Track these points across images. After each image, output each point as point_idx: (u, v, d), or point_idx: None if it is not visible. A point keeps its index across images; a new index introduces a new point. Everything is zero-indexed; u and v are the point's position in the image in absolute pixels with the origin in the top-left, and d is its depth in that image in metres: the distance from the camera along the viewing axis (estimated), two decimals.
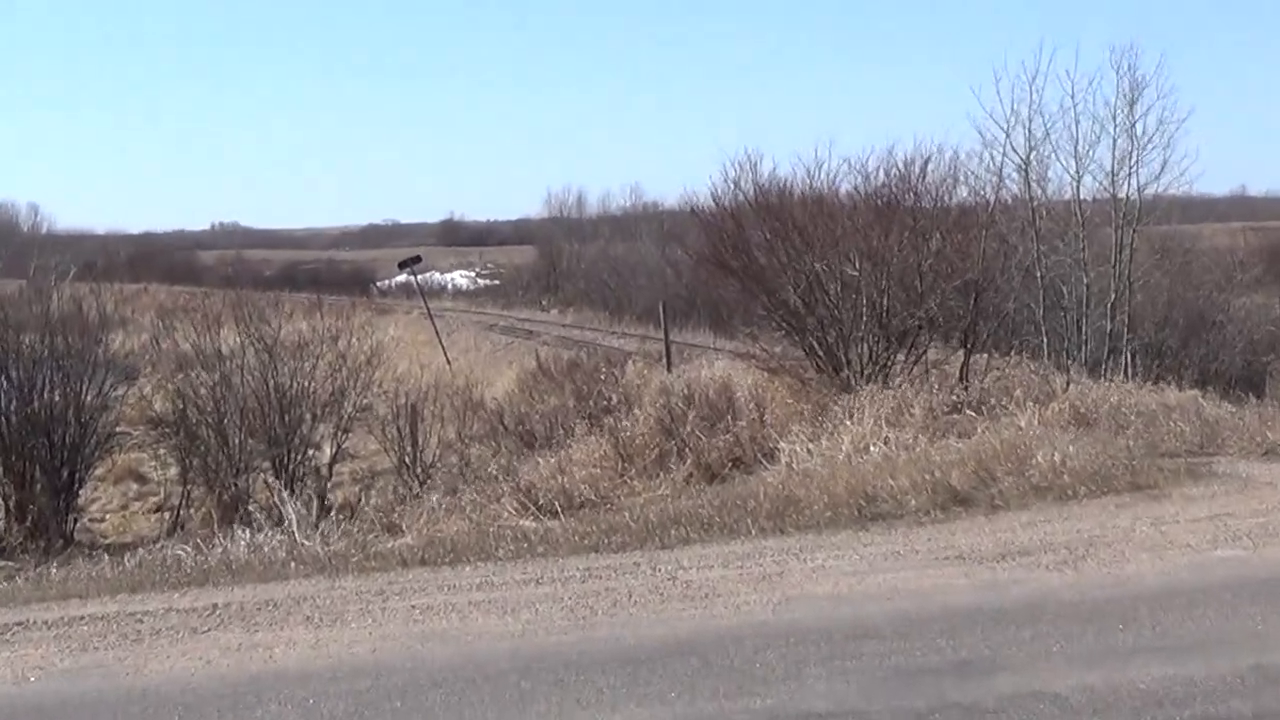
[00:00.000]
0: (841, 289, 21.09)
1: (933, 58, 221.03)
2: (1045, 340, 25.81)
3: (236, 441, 22.88)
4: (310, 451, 23.32)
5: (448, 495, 18.14)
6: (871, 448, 16.38)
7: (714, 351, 30.71)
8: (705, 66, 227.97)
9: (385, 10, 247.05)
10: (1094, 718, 7.52)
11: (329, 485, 22.84)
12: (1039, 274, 26.00)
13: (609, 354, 34.46)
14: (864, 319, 20.95)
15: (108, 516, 24.46)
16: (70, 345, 23.14)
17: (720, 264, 22.84)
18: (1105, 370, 24.60)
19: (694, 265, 29.67)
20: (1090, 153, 26.72)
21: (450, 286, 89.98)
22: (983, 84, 50.76)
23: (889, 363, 21.00)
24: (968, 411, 18.19)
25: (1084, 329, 26.47)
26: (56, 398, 22.43)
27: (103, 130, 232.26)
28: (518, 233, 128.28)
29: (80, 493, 22.98)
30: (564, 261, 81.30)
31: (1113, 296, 26.49)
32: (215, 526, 19.96)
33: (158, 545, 15.03)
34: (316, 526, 16.02)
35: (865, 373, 20.38)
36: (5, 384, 22.55)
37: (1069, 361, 24.87)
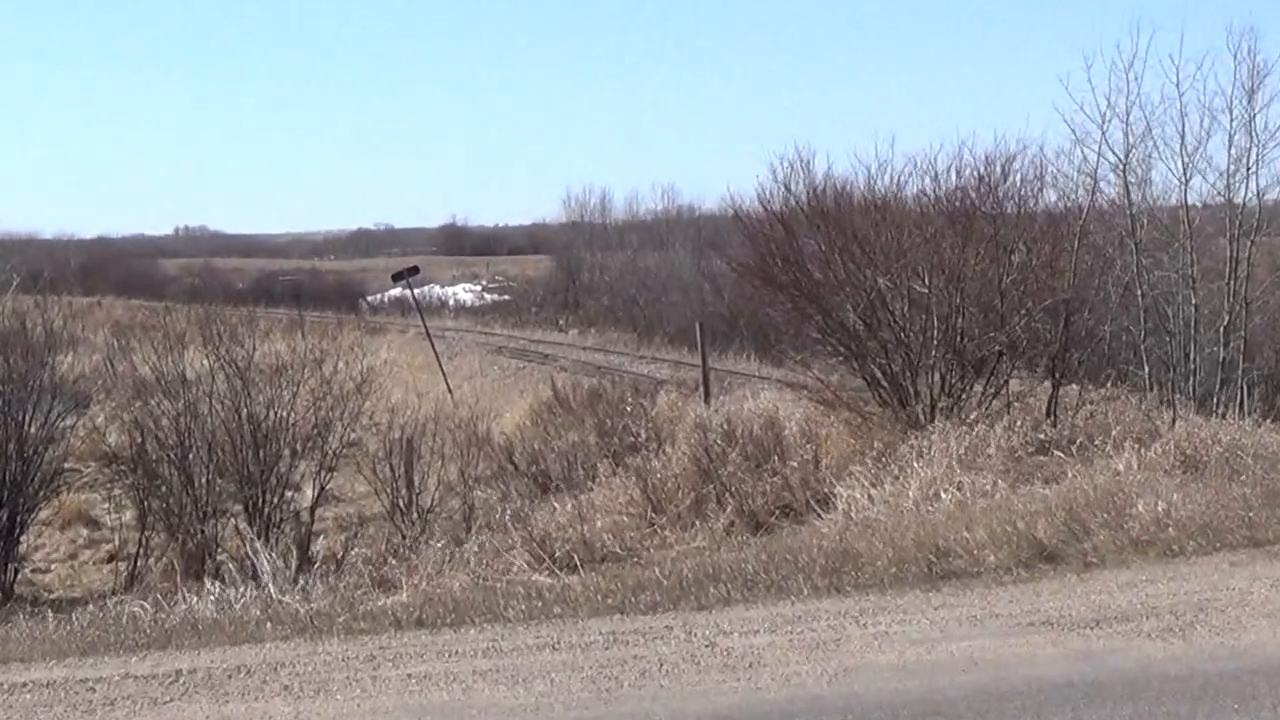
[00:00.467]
0: (909, 308, 21.10)
1: (1012, 40, 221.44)
2: (1147, 369, 25.73)
3: (203, 481, 22.91)
4: (289, 493, 23.34)
5: (449, 545, 18.14)
6: (943, 494, 16.42)
7: (759, 380, 30.66)
8: (748, 52, 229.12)
9: None
10: None
11: (311, 533, 22.85)
12: (1139, 292, 25.91)
13: (637, 382, 34.42)
14: (935, 343, 20.92)
15: (54, 567, 24.53)
16: (11, 368, 23.25)
17: (767, 278, 22.87)
18: (1217, 405, 24.38)
19: (737, 279, 29.67)
20: (1200, 151, 26.64)
21: (452, 302, 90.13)
22: (1072, 71, 50.66)
23: (964, 395, 20.96)
24: (1056, 453, 18.13)
25: (1193, 357, 26.30)
26: None
27: (51, 122, 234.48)
28: (531, 240, 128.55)
29: (22, 539, 23.05)
30: (585, 273, 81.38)
31: (1226, 319, 26.32)
32: (178, 580, 20.02)
33: (112, 601, 15.13)
34: (296, 581, 16.06)
35: (936, 406, 20.34)
36: None
37: (1175, 395, 24.77)
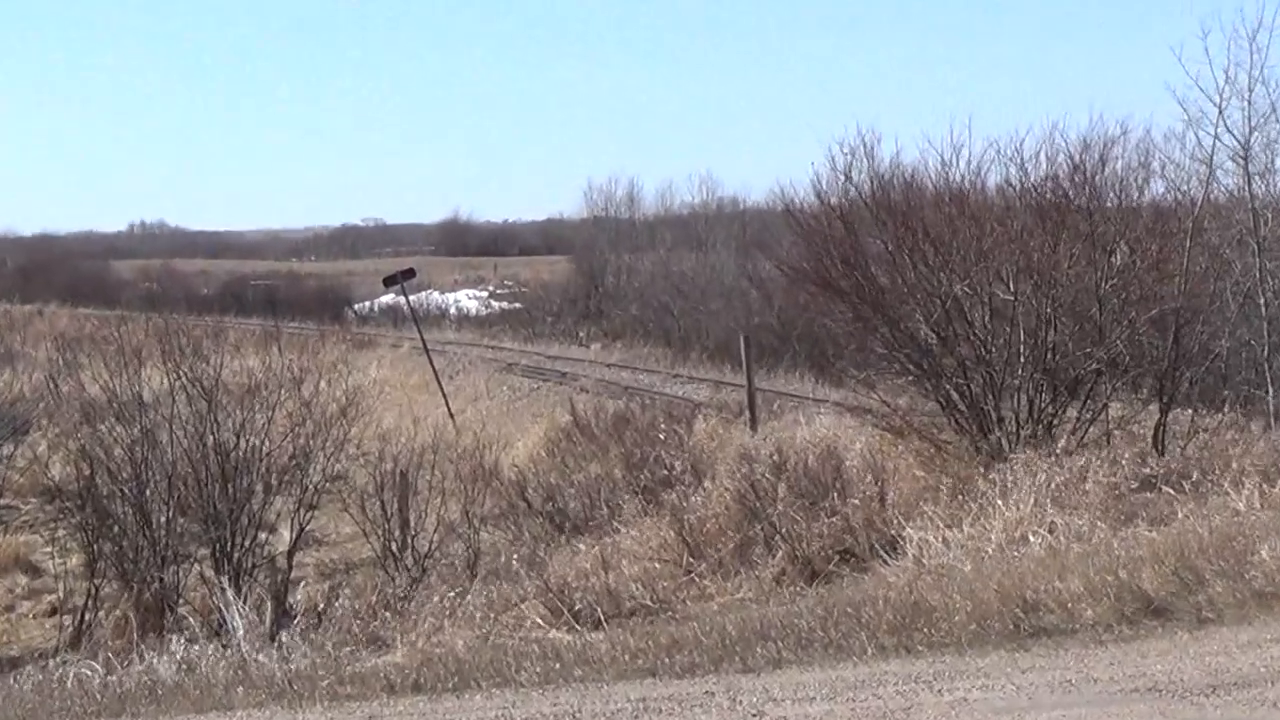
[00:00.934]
0: (990, 319, 21.21)
1: (1112, 2, 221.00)
2: (1272, 392, 25.62)
3: (163, 520, 23.07)
4: (263, 535, 23.45)
5: (451, 596, 18.16)
6: (1031, 537, 16.43)
7: (814, 403, 30.67)
8: (795, 24, 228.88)
9: None
10: None
11: (288, 581, 22.93)
12: (1263, 300, 25.77)
13: (670, 405, 34.48)
14: (1021, 360, 20.96)
15: None
16: None
17: (825, 283, 22.91)
18: None
19: (788, 284, 29.67)
20: None
21: (454, 311, 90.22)
22: (1185, 40, 50.73)
23: (1055, 420, 21.00)
24: (1164, 489, 18.19)
25: None
26: None
27: None
28: (545, 238, 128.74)
29: None
30: (609, 277, 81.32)
31: None
32: (134, 636, 20.12)
33: (56, 661, 15.16)
34: (272, 637, 16.12)
35: (1022, 434, 20.35)
36: None
37: None
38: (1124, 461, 19.01)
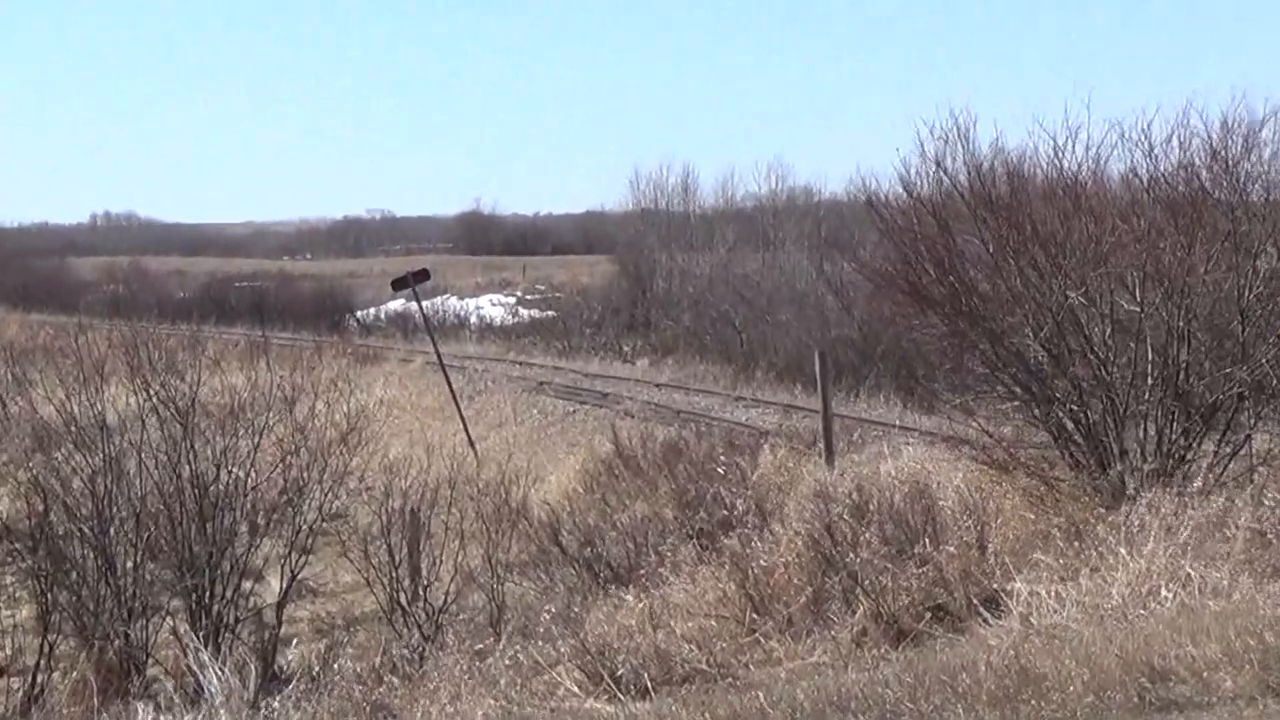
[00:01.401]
0: (1112, 333, 21.16)
1: None
2: None
3: (129, 566, 23.16)
4: (247, 584, 23.52)
5: (470, 658, 18.23)
6: (1161, 593, 16.32)
7: (902, 432, 30.67)
8: None
9: None
10: None
11: (278, 639, 23.01)
12: None
13: (731, 434, 34.55)
14: (1149, 382, 20.93)
15: None
16: None
17: (914, 290, 22.93)
18: None
19: (872, 291, 29.66)
20: None
21: (476, 320, 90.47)
22: None
23: (1189, 454, 20.91)
24: None
25: None
26: None
27: None
28: (584, 234, 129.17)
29: None
30: (659, 281, 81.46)
31: None
32: (94, 701, 20.16)
33: None
34: (257, 705, 16.19)
35: (1149, 469, 20.31)
36: None
37: None
38: (1271, 503, 18.97)
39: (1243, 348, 20.90)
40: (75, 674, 22.78)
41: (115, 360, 26.48)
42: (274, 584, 23.73)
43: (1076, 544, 18.43)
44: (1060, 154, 22.84)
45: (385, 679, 18.09)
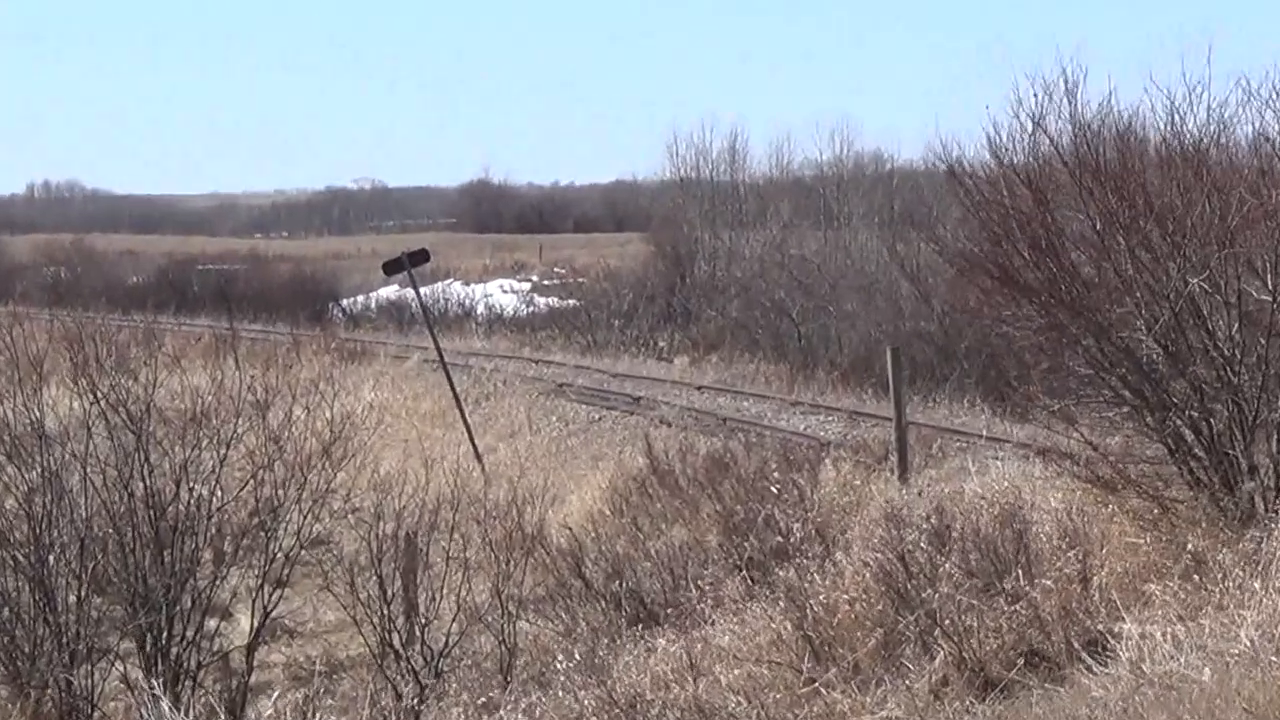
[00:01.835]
0: (1240, 327, 20.89)
1: None
2: None
3: (71, 600, 23.02)
4: (212, 623, 23.44)
5: (476, 710, 18.17)
6: None
7: (989, 443, 30.62)
8: None
9: None
10: None
11: (248, 687, 22.93)
12: None
13: (787, 445, 34.64)
14: None
15: None
16: None
17: (1005, 275, 22.67)
18: None
19: (954, 276, 29.61)
20: None
21: (484, 309, 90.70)
22: None
23: None
24: None
25: None
26: None
27: None
28: (611, 208, 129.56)
29: None
30: (701, 264, 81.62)
31: None
32: None
33: None
34: None
35: None
36: None
37: None
38: None
39: None
40: None
41: (56, 357, 26.40)
42: (243, 622, 23.65)
43: (1197, 577, 18.34)
44: (1178, 115, 22.68)
45: None
